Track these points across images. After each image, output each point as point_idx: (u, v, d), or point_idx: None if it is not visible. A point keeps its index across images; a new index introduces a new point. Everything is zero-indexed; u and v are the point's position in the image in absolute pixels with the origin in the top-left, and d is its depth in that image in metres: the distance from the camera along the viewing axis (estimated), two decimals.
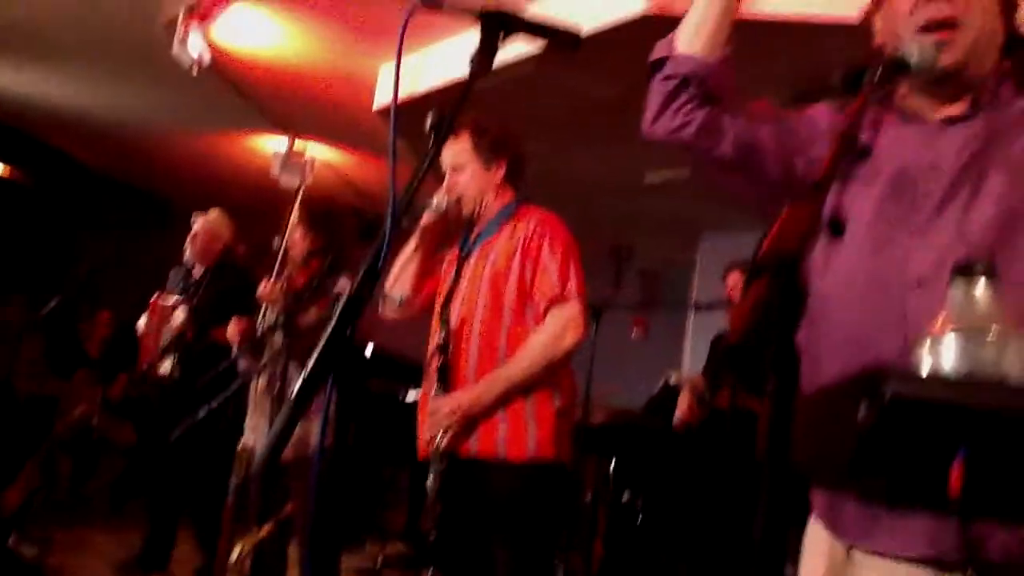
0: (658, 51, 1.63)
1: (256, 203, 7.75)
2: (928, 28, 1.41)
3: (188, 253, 4.76)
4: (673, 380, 4.85)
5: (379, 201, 1.30)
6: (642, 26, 3.90)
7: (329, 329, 1.31)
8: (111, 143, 7.71)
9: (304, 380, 1.24)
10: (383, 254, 1.37)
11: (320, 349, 1.28)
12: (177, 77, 5.16)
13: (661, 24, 3.78)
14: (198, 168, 7.99)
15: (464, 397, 2.59)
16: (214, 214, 4.85)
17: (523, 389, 2.60)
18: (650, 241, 8.34)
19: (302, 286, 3.40)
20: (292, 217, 3.59)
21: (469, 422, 2.58)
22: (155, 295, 4.77)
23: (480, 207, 2.80)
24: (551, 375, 2.62)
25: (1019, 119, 1.43)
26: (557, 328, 2.60)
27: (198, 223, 4.78)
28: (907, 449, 1.04)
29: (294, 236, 3.58)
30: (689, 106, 1.56)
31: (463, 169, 2.77)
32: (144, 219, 8.96)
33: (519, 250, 2.67)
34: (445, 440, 2.58)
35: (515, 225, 2.73)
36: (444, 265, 2.90)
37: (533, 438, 2.59)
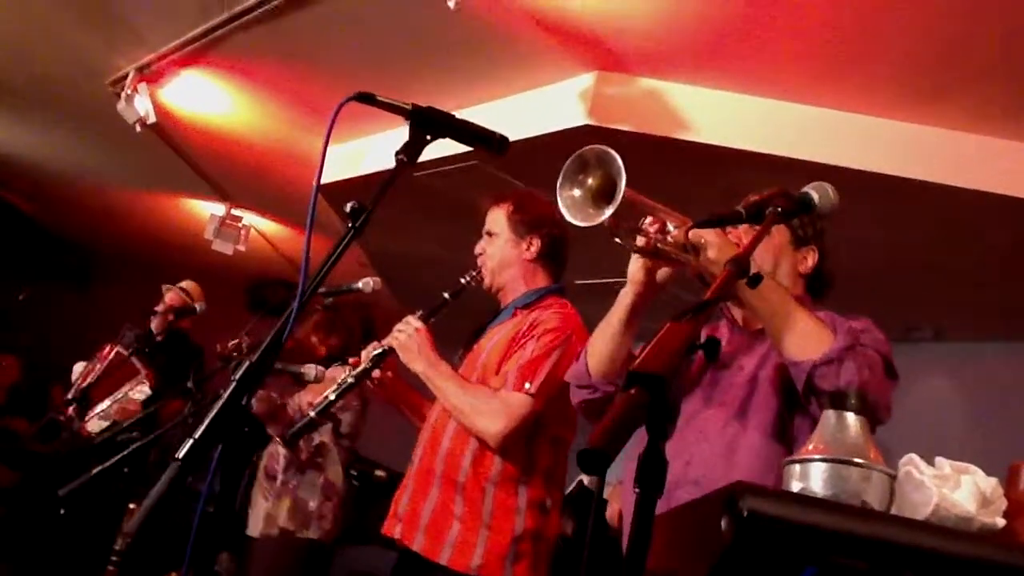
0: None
1: (185, 266, 7.68)
2: None
3: (155, 320, 4.72)
4: (587, 482, 4.84)
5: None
6: (581, 136, 4.05)
7: (225, 396, 1.32)
8: (43, 189, 7.59)
9: (193, 443, 1.25)
10: (288, 328, 1.40)
11: (213, 416, 1.29)
12: (118, 133, 5.15)
13: (599, 134, 3.97)
14: (128, 224, 7.89)
15: (427, 351, 2.55)
16: (190, 284, 4.86)
17: (451, 409, 2.47)
18: None
19: None
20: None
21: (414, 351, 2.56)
22: (107, 345, 4.56)
23: (499, 281, 2.67)
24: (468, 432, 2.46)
25: None
26: (498, 406, 2.39)
27: (175, 291, 4.77)
28: (764, 564, 1.09)
29: (310, 342, 3.63)
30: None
31: (494, 237, 2.67)
32: (63, 269, 8.75)
33: (517, 339, 2.49)
34: (389, 343, 2.62)
35: (529, 313, 2.56)
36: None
37: (481, 550, 2.35)
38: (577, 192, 1.66)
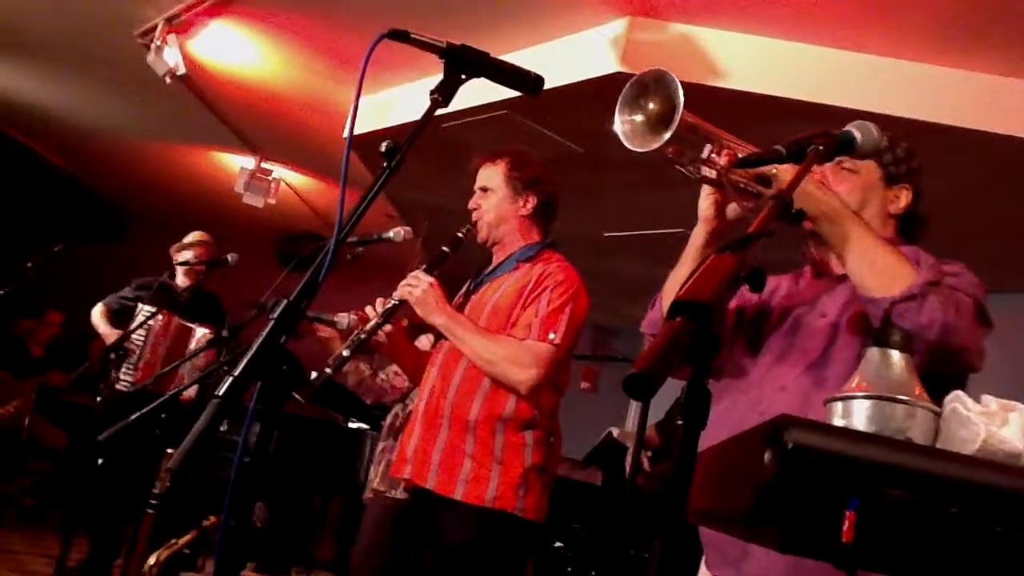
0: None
1: (215, 219, 7.73)
2: None
3: (184, 274, 4.76)
4: (616, 434, 4.90)
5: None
6: (612, 84, 4.00)
7: (263, 335, 1.33)
8: (74, 143, 7.64)
9: (232, 380, 1.26)
10: (324, 271, 1.40)
11: (252, 353, 1.30)
12: (148, 86, 5.16)
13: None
14: (159, 178, 7.94)
15: (444, 304, 2.59)
16: (202, 235, 4.89)
17: (477, 360, 2.52)
18: (606, 297, 8.42)
19: None
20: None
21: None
22: (157, 309, 4.53)
23: (495, 235, 2.74)
24: (490, 380, 2.52)
25: None
26: (527, 356, 2.49)
27: (199, 247, 4.80)
28: (808, 496, 1.08)
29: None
30: None
31: (490, 193, 2.74)
32: (98, 224, 8.83)
33: (526, 291, 2.59)
34: (399, 295, 2.62)
35: (532, 267, 2.65)
36: (457, 296, 2.84)
37: (495, 483, 2.45)
38: (638, 117, 1.61)
